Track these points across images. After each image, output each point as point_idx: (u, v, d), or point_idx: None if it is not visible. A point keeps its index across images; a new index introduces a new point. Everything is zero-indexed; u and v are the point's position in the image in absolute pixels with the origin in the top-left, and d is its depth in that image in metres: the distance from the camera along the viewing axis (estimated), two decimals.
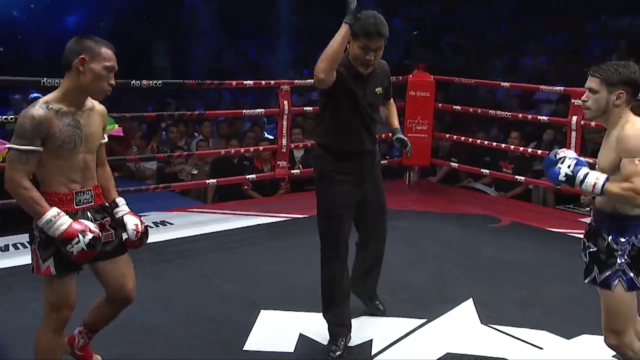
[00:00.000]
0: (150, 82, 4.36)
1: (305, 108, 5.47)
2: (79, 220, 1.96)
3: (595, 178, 2.00)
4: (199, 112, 5.28)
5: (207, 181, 4.96)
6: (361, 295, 3.04)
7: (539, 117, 5.19)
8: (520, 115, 5.37)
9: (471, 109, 5.58)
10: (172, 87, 8.38)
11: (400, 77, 5.65)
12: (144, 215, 4.57)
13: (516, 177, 5.22)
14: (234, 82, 4.96)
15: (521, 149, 5.32)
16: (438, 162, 5.90)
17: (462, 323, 3.04)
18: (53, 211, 1.93)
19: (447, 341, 2.84)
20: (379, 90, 2.66)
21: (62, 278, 2.02)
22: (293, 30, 10.72)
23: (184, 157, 5.39)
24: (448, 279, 3.61)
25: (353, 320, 2.96)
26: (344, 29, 2.35)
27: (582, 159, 2.09)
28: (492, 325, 3.00)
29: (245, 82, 4.90)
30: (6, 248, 3.89)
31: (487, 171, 5.41)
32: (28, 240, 2.06)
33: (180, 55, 11.41)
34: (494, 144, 5.47)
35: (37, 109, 1.93)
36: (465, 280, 3.57)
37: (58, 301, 2.04)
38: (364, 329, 2.93)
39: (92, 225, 1.96)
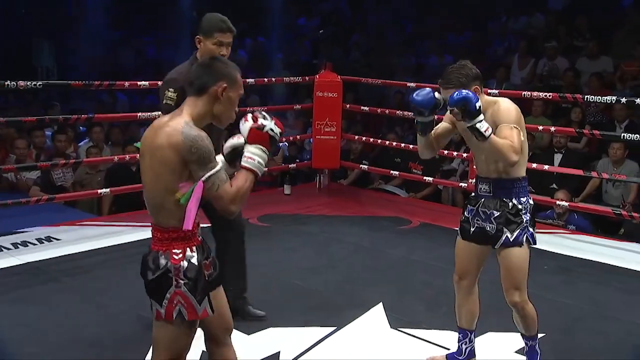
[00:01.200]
0: (29, 83, 4.12)
1: None
2: (246, 125, 1.93)
3: (487, 125, 2.31)
4: (88, 116, 5.07)
5: (100, 191, 4.76)
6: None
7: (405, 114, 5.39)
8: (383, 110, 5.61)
9: (379, 110, 5.75)
10: (57, 90, 7.98)
11: (307, 78, 5.73)
12: (26, 232, 4.34)
13: (425, 178, 5.43)
14: (126, 83, 4.79)
15: (411, 146, 5.46)
16: (348, 164, 6.01)
17: (371, 329, 3.11)
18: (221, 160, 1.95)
19: (357, 348, 2.90)
20: None
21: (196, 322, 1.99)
22: (194, 28, 10.49)
23: (70, 165, 5.14)
24: (358, 283, 3.69)
25: (260, 333, 2.98)
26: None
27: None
28: (401, 329, 3.09)
29: (140, 82, 4.75)
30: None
31: (397, 173, 5.59)
32: (156, 295, 1.95)
33: (68, 54, 10.87)
34: (403, 145, 5.65)
35: (198, 129, 1.90)
36: (375, 284, 3.66)
37: (186, 347, 2.00)
38: (271, 340, 2.93)
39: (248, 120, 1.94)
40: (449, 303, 3.39)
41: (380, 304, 3.35)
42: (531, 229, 2.47)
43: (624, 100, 4.58)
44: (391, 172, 5.61)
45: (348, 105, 5.79)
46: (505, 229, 2.46)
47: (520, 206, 2.46)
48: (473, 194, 2.60)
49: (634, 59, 6.86)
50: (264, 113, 1.96)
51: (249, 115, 1.96)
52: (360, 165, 5.88)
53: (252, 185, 1.93)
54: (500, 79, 7.31)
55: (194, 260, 1.94)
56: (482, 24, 8.69)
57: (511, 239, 2.45)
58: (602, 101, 4.58)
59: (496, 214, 2.48)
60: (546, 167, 4.89)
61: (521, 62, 7.59)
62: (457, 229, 2.61)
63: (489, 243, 2.52)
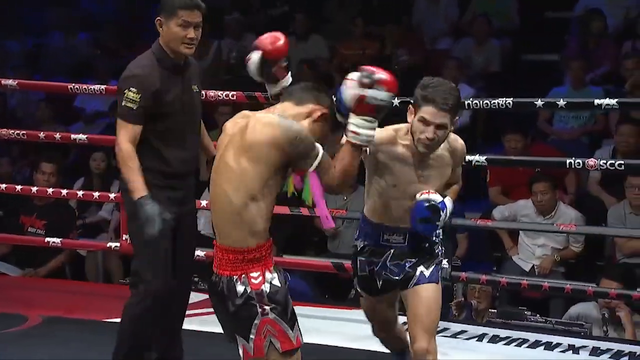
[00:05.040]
0: None
1: None
2: (348, 93, 2.67)
3: (450, 204, 3.17)
4: None
5: None
6: None
7: (74, 137, 5.29)
8: (41, 134, 5.41)
9: None
10: None
11: None
12: None
13: (49, 240, 5.26)
14: None
15: (50, 191, 5.38)
16: None
17: None
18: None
19: None
20: (195, 88, 3.62)
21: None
22: None
23: None
24: None
25: None
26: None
27: (441, 199, 3.11)
28: None
29: None
30: None
31: None
32: (240, 329, 2.59)
33: None
34: (4, 186, 5.43)
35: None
36: None
37: None
38: None
39: None
40: None
41: None
42: (445, 264, 3.40)
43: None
44: None
45: None
46: (421, 266, 3.17)
47: (434, 238, 3.22)
48: (364, 244, 3.27)
49: (353, 38, 7.61)
50: (367, 76, 2.58)
51: (351, 81, 2.62)
52: None
53: (358, 159, 2.66)
54: None
55: (276, 282, 2.59)
56: None
57: (427, 275, 3.16)
58: None
59: (413, 261, 3.19)
60: None
61: (199, 47, 7.87)
62: (356, 289, 3.37)
63: (397, 288, 3.24)
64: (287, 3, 8.30)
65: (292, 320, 2.61)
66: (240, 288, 2.55)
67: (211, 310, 2.80)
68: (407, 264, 3.20)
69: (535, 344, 4.45)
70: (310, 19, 7.89)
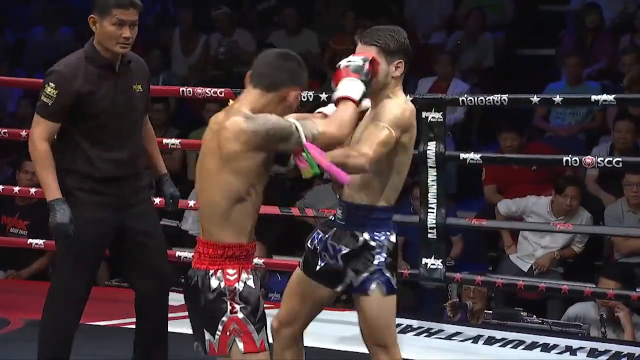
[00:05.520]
0: None
1: None
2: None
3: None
4: None
5: None
6: None
7: None
8: (23, 132, 5.33)
9: None
10: None
11: None
12: None
13: (32, 241, 5.26)
14: None
15: (33, 190, 5.35)
16: None
17: None
18: None
19: None
20: (138, 88, 3.53)
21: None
22: None
23: None
24: None
25: None
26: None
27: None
28: None
29: None
30: None
31: None
32: (208, 324, 2.65)
33: None
34: None
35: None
36: None
37: None
38: None
39: None
40: None
41: None
42: (387, 274, 2.96)
43: (322, 96, 4.78)
44: None
45: None
46: (349, 271, 2.97)
47: (373, 243, 2.96)
48: (332, 216, 3.12)
49: (345, 32, 7.60)
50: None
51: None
52: None
53: (352, 112, 2.69)
54: (155, 66, 7.44)
55: (251, 283, 2.63)
56: None
57: (355, 285, 2.97)
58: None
59: (344, 250, 2.98)
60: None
61: (186, 42, 7.88)
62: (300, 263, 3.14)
63: (334, 286, 3.04)
64: None
65: (260, 324, 2.66)
66: (214, 283, 2.60)
67: None
68: (340, 251, 3.00)
69: (531, 346, 4.46)
70: (301, 13, 7.87)
